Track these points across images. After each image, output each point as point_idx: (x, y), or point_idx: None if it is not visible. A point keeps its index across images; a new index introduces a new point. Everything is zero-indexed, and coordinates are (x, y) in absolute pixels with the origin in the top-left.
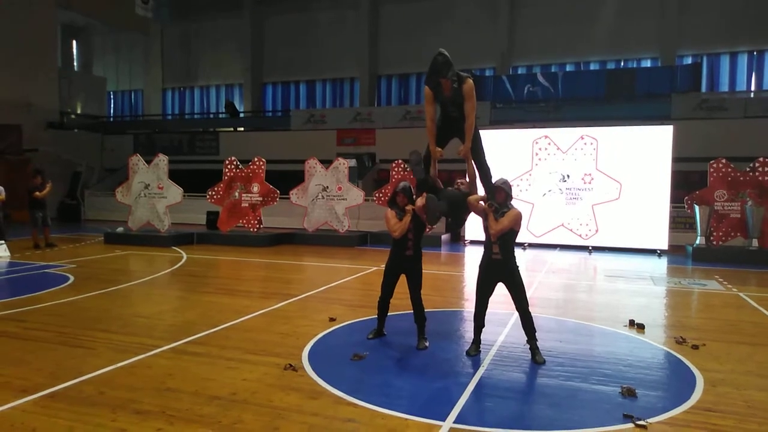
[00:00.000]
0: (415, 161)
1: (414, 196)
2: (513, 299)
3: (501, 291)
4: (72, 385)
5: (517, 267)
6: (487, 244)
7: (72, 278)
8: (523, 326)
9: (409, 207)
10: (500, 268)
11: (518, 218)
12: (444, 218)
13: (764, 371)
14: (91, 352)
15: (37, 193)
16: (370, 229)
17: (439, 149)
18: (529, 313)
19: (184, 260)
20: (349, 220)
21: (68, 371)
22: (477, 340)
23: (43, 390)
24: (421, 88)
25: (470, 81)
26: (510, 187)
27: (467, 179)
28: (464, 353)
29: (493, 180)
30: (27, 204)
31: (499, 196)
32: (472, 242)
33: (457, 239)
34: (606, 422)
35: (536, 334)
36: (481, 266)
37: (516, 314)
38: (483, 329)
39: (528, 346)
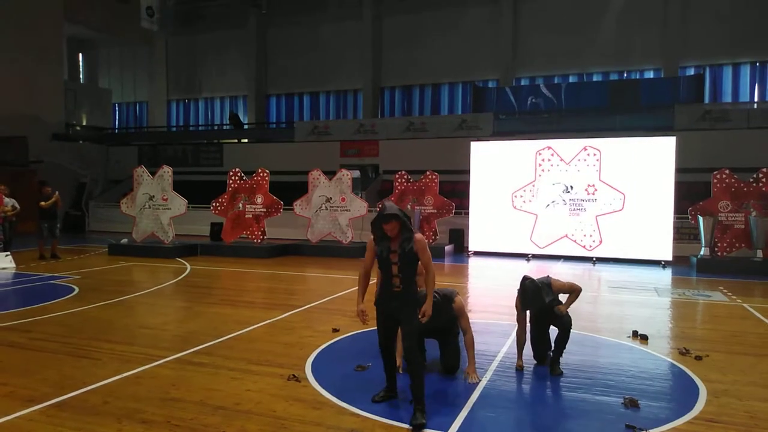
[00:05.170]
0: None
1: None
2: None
3: (504, 302)
4: (77, 395)
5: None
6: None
7: (77, 289)
8: (557, 341)
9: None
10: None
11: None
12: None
13: (767, 382)
14: (97, 362)
15: (42, 203)
16: None
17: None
18: (569, 332)
19: (188, 271)
20: (352, 231)
21: (74, 381)
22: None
23: (49, 400)
24: (425, 99)
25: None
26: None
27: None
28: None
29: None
30: (37, 215)
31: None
32: (476, 253)
33: (461, 250)
34: None
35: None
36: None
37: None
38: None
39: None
